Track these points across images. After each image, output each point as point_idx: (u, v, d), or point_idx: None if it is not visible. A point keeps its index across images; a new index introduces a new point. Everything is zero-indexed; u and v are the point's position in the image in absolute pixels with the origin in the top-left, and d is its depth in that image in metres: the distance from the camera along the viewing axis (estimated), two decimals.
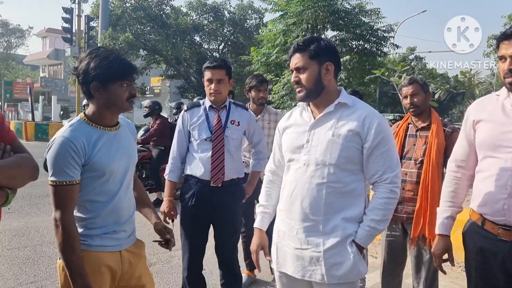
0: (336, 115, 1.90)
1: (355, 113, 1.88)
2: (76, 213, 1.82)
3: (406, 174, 2.82)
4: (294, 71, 1.93)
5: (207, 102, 2.99)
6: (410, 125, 2.94)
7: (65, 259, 1.73)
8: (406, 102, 2.90)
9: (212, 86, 2.90)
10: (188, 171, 2.96)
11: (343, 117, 1.89)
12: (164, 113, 11.65)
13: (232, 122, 2.98)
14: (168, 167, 3.04)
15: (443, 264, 2.15)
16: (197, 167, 2.90)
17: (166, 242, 2.07)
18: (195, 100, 9.94)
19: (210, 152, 2.88)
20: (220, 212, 2.92)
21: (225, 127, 2.94)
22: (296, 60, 1.91)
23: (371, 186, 1.97)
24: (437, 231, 2.13)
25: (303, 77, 1.89)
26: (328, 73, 1.90)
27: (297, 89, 1.93)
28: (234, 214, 3.01)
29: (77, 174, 1.74)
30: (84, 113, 1.87)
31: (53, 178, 1.72)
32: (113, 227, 1.87)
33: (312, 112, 1.97)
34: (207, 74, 2.92)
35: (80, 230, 1.80)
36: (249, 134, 3.14)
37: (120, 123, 1.95)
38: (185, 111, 3.04)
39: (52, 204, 1.75)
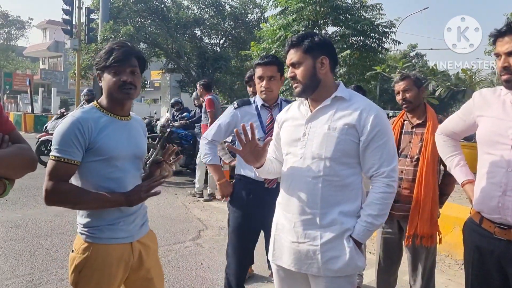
0: (333, 109, 1.90)
1: (352, 106, 1.89)
2: None
3: (402, 172, 2.78)
4: (290, 67, 1.95)
5: (258, 101, 2.89)
6: (405, 122, 2.91)
7: (81, 206, 1.81)
8: (398, 98, 2.89)
9: (263, 83, 2.80)
10: (241, 172, 2.87)
11: (339, 111, 1.89)
12: (163, 108, 11.30)
13: None
14: (206, 153, 2.93)
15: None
16: (251, 169, 2.74)
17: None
18: (193, 95, 9.77)
19: None
20: (271, 213, 2.87)
21: None
22: (291, 55, 1.94)
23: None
24: (461, 180, 2.13)
25: (298, 72, 1.91)
26: (323, 66, 1.91)
27: (294, 85, 1.95)
28: None
29: (78, 156, 1.77)
30: (97, 101, 1.93)
31: (53, 153, 1.76)
32: (123, 215, 1.86)
33: (309, 105, 1.98)
34: (258, 71, 2.82)
35: (88, 220, 1.82)
36: None
37: (132, 117, 2.00)
38: (235, 108, 2.92)
39: (45, 175, 1.76)
